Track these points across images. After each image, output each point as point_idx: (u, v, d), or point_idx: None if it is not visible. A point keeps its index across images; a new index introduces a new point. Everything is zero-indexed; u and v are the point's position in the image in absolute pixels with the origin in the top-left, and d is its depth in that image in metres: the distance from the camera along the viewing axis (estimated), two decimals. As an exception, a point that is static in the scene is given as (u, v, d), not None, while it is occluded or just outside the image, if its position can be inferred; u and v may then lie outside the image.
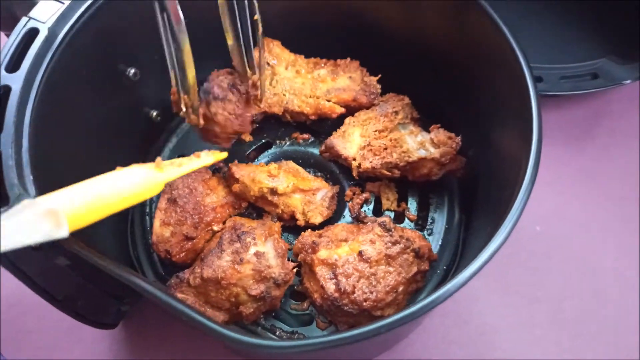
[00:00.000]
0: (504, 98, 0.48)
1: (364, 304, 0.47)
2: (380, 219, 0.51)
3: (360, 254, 0.49)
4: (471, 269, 0.37)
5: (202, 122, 0.50)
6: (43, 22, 0.45)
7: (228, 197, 0.55)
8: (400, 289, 0.48)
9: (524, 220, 0.60)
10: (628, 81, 0.62)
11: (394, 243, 0.49)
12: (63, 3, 0.46)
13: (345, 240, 0.51)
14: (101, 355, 0.55)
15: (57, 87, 0.45)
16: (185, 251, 0.52)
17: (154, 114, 0.62)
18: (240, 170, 0.54)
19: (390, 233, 0.50)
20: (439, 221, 0.57)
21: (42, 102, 0.43)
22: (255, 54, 0.49)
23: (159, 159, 0.41)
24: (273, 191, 0.53)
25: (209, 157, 0.46)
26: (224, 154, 0.46)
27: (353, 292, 0.47)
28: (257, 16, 0.48)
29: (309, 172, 0.60)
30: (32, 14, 0.45)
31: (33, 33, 0.45)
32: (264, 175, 0.53)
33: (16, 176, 0.38)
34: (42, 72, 0.43)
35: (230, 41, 0.48)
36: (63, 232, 0.32)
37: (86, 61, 0.48)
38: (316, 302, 0.50)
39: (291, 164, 0.58)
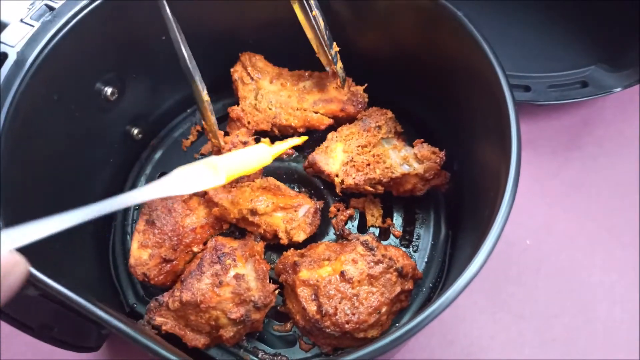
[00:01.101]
0: (483, 111, 0.47)
1: (346, 326, 0.46)
2: (362, 238, 0.50)
3: (342, 274, 0.48)
4: (454, 289, 0.36)
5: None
6: (12, 46, 0.44)
7: (209, 217, 0.54)
8: (384, 309, 0.47)
9: (515, 234, 0.61)
10: (618, 89, 0.61)
11: (377, 262, 0.48)
12: (32, 26, 0.45)
13: (328, 260, 0.50)
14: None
15: (27, 112, 0.44)
16: (164, 274, 0.51)
17: (135, 131, 0.61)
18: (218, 194, 0.53)
19: (373, 252, 0.49)
20: (424, 237, 0.56)
21: (12, 129, 0.42)
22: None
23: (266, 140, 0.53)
24: (253, 212, 0.52)
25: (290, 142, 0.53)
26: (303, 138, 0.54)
27: (335, 314, 0.46)
28: None
29: (293, 187, 0.59)
30: (0, 37, 0.45)
31: (2, 57, 0.44)
32: (244, 195, 0.52)
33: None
34: (10, 97, 0.43)
35: None
36: (220, 180, 0.45)
37: (58, 84, 0.47)
38: (298, 323, 0.49)
39: (271, 179, 0.56)
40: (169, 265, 0.51)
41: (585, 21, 0.68)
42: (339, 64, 0.56)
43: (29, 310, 0.42)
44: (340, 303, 0.47)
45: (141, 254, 0.51)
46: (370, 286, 0.48)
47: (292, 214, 0.53)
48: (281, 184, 0.56)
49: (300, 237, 0.53)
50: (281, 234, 0.53)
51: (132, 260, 0.51)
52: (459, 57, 0.49)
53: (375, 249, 0.49)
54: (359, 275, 0.48)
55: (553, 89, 0.63)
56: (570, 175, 0.64)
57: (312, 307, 0.47)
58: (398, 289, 0.48)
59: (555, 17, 0.70)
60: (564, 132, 0.67)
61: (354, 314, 0.46)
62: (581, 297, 0.56)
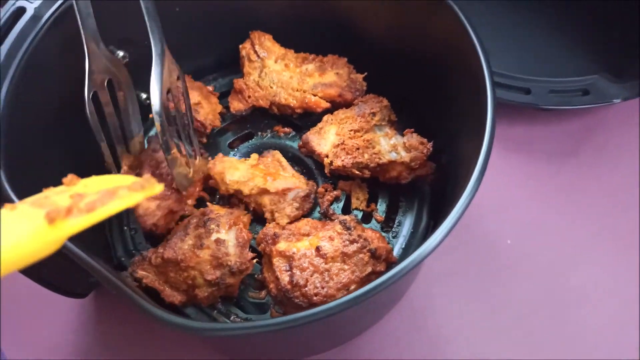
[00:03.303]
0: (468, 105, 0.48)
1: (314, 298, 0.48)
2: (342, 217, 0.52)
3: (317, 249, 0.50)
4: (405, 263, 0.37)
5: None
6: (31, 2, 0.47)
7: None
8: (352, 287, 0.49)
9: (498, 232, 0.62)
10: (618, 100, 0.61)
11: (352, 242, 0.50)
12: (51, -15, 0.48)
13: (308, 235, 0.52)
14: (68, 324, 0.58)
15: (39, 66, 0.47)
16: (171, 223, 0.54)
17: (144, 96, 0.63)
18: (216, 167, 0.56)
19: (349, 232, 0.51)
20: (405, 225, 0.57)
21: (22, 79, 0.45)
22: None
23: (60, 206, 0.29)
24: (238, 192, 0.54)
25: (137, 194, 0.34)
26: (159, 187, 0.35)
27: (305, 286, 0.48)
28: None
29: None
30: (20, -7, 0.48)
31: (20, 12, 0.47)
32: (236, 174, 0.55)
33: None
34: (24, 49, 0.46)
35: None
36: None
37: (72, 42, 0.50)
38: (272, 292, 0.51)
39: (277, 154, 0.58)
40: (176, 216, 0.54)
41: (592, 29, 0.68)
42: (177, 169, 0.51)
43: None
44: (312, 276, 0.49)
45: (150, 204, 0.53)
46: (342, 263, 0.50)
47: (280, 198, 0.55)
48: (284, 161, 0.58)
49: (283, 220, 0.55)
50: (267, 214, 0.55)
51: (140, 211, 0.53)
52: (451, 49, 0.50)
53: (352, 228, 0.51)
54: (333, 252, 0.50)
55: (554, 94, 0.63)
56: (564, 180, 0.64)
57: (285, 277, 0.49)
58: (369, 269, 0.50)
59: (562, 23, 0.70)
60: (562, 138, 0.67)
61: (323, 288, 0.48)
62: (556, 300, 0.57)
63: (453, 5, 0.47)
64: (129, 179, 0.35)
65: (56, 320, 0.58)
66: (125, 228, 0.58)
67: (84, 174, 0.36)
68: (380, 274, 0.52)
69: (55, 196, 0.32)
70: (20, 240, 0.27)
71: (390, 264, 0.53)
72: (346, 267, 0.50)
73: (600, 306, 0.56)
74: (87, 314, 0.59)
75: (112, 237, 0.58)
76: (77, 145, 0.55)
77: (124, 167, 0.55)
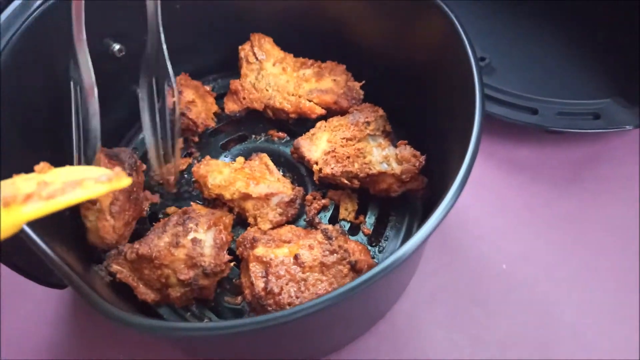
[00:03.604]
0: (460, 119, 0.46)
1: (287, 307, 0.46)
2: (324, 226, 0.50)
3: (296, 257, 0.48)
4: (376, 270, 0.35)
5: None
6: (24, -13, 0.48)
7: None
8: None
9: (491, 257, 0.59)
10: (630, 127, 0.58)
11: (332, 252, 0.48)
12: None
13: (289, 242, 0.50)
14: (45, 315, 0.57)
15: (27, 55, 0.47)
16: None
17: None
18: (200, 170, 0.55)
19: (330, 241, 0.49)
20: (393, 240, 0.55)
21: (9, 70, 0.45)
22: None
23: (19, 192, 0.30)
24: (220, 196, 0.53)
25: (102, 185, 0.33)
26: (127, 180, 0.34)
27: (279, 294, 0.46)
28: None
29: (280, 170, 0.59)
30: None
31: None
32: (218, 178, 0.53)
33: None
34: (9, 35, 0.46)
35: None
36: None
37: (64, 33, 0.50)
38: (246, 297, 0.49)
39: (265, 157, 0.57)
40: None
41: (606, 51, 0.65)
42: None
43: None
44: (287, 284, 0.47)
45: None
46: (320, 274, 0.48)
47: (263, 202, 0.54)
48: (271, 165, 0.56)
49: (265, 225, 0.53)
50: (250, 219, 0.54)
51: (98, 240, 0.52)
52: (446, 58, 0.48)
53: (334, 238, 0.49)
54: (311, 261, 0.48)
55: (562, 117, 0.61)
56: (565, 208, 0.61)
57: (259, 284, 0.48)
58: (347, 282, 0.48)
59: (575, 43, 0.67)
60: (568, 164, 0.64)
61: (297, 297, 0.46)
62: (546, 335, 0.54)
63: (449, 13, 0.46)
64: (100, 171, 0.34)
65: (32, 310, 0.58)
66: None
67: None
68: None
69: (22, 182, 0.32)
70: None
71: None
72: (324, 277, 0.48)
73: (593, 347, 0.53)
74: (64, 306, 0.58)
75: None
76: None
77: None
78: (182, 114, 0.58)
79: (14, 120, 0.47)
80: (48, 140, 0.52)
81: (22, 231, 0.37)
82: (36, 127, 0.51)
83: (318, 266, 0.48)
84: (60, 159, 0.50)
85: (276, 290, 0.47)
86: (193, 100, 0.59)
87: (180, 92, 0.59)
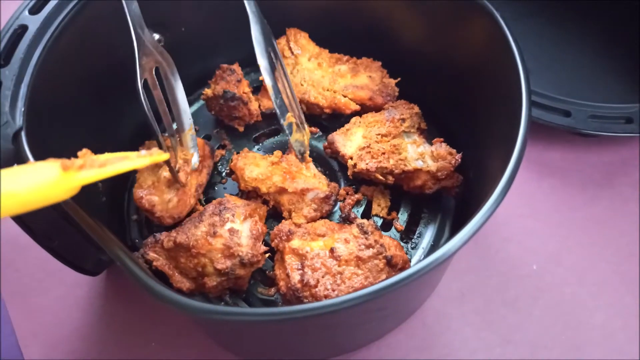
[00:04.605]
0: (502, 120, 0.46)
1: (323, 299, 0.46)
2: (359, 220, 0.51)
3: (331, 250, 0.48)
4: (412, 271, 0.35)
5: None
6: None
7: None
8: None
9: (522, 257, 0.59)
10: (663, 132, 0.58)
11: (368, 246, 0.49)
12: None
13: (323, 236, 0.51)
14: (77, 300, 0.58)
15: (72, 37, 0.48)
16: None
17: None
18: (238, 162, 0.55)
19: (366, 236, 0.49)
20: (426, 237, 0.55)
21: (53, 47, 0.46)
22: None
23: (76, 160, 0.35)
24: (256, 189, 0.54)
25: (144, 158, 0.40)
26: (165, 155, 0.43)
27: (315, 286, 0.47)
28: None
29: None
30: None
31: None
32: (255, 171, 0.54)
33: (9, 105, 0.41)
34: (60, 19, 0.46)
35: None
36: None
37: (108, 18, 0.51)
38: (281, 289, 0.50)
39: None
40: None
41: (639, 57, 0.65)
42: (294, 136, 0.53)
43: (33, 213, 0.45)
44: (323, 277, 0.47)
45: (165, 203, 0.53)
46: (356, 267, 0.48)
47: (299, 198, 0.54)
48: (308, 159, 0.57)
49: (300, 220, 0.54)
50: (284, 213, 0.54)
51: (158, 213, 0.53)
52: (489, 60, 0.48)
53: (370, 233, 0.49)
54: (347, 255, 0.48)
55: (594, 119, 0.61)
56: (595, 212, 0.61)
57: (295, 276, 0.48)
58: (383, 277, 0.48)
59: (609, 46, 0.67)
60: (600, 168, 0.64)
61: (333, 290, 0.47)
62: (577, 336, 0.54)
63: (495, 14, 0.46)
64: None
65: (65, 296, 0.58)
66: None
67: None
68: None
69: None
70: (38, 182, 0.32)
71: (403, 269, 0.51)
72: (359, 271, 0.48)
73: (622, 349, 0.53)
74: (96, 293, 0.58)
75: (128, 218, 0.58)
76: (98, 125, 0.55)
77: (180, 161, 0.53)
78: (243, 103, 0.59)
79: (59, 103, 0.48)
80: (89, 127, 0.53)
81: (78, 213, 0.38)
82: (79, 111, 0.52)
83: (354, 260, 0.48)
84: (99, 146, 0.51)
85: (312, 282, 0.47)
86: (249, 92, 0.60)
87: (239, 81, 0.60)
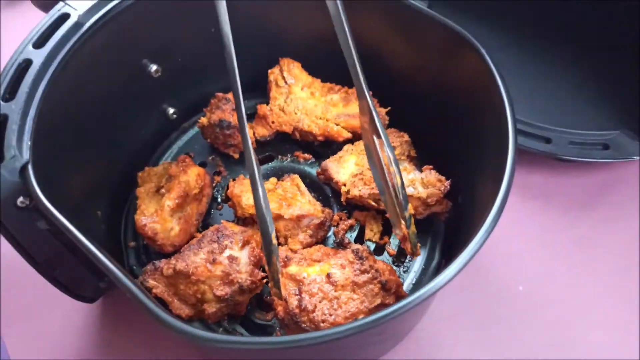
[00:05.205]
0: (490, 148, 0.49)
1: (321, 324, 0.48)
2: (355, 246, 0.52)
3: (328, 275, 0.50)
4: (408, 300, 0.37)
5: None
6: (75, 9, 0.49)
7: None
8: (360, 317, 0.49)
9: (511, 278, 0.61)
10: (638, 157, 0.61)
11: (363, 272, 0.50)
12: (97, -5, 0.50)
13: (319, 261, 0.52)
14: (73, 326, 0.58)
15: (75, 69, 0.49)
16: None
17: (171, 111, 0.65)
18: (234, 189, 0.57)
19: (362, 261, 0.51)
20: (417, 261, 0.57)
21: (57, 80, 0.47)
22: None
23: None
24: (253, 215, 0.55)
25: None
26: None
27: (313, 311, 0.48)
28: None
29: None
30: (68, 0, 0.50)
31: (64, 17, 0.49)
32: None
33: (16, 139, 0.42)
34: (63, 53, 0.48)
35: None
36: None
37: (109, 51, 0.52)
38: (279, 314, 0.51)
39: (296, 178, 0.59)
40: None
41: (617, 85, 0.69)
42: (412, 228, 0.49)
43: (37, 244, 0.46)
44: (320, 302, 0.49)
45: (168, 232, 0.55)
46: (352, 292, 0.50)
47: (294, 224, 0.56)
48: (302, 186, 0.58)
49: (295, 246, 0.55)
50: (280, 239, 0.56)
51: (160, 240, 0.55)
52: (476, 92, 0.51)
53: (365, 258, 0.51)
54: (343, 280, 0.49)
55: (574, 146, 0.64)
56: (579, 233, 0.64)
57: (293, 301, 0.49)
58: (378, 301, 0.50)
59: (587, 76, 0.71)
60: (580, 191, 0.67)
61: (331, 315, 0.48)
62: (563, 353, 0.56)
63: (481, 50, 0.48)
64: None
65: (61, 322, 0.59)
66: (140, 237, 0.58)
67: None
68: (389, 307, 0.52)
69: None
70: None
71: (399, 297, 0.53)
72: (355, 296, 0.49)
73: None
74: (92, 319, 0.59)
75: (125, 245, 0.59)
76: (107, 147, 0.57)
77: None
78: (238, 131, 0.61)
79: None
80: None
81: (84, 246, 0.39)
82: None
83: (350, 285, 0.50)
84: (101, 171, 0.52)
85: (310, 307, 0.48)
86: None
87: (234, 109, 0.61)
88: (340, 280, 0.49)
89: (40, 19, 0.49)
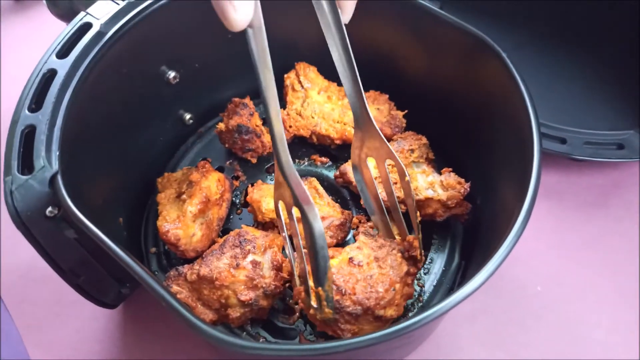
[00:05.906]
0: (510, 154, 0.49)
1: (367, 301, 0.47)
2: (362, 228, 0.53)
3: (350, 260, 0.49)
4: (441, 305, 0.37)
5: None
6: (97, 19, 0.50)
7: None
8: (397, 286, 0.48)
9: (526, 278, 0.62)
10: (652, 157, 0.62)
11: (379, 247, 0.50)
12: (118, 4, 0.50)
13: (332, 257, 0.52)
14: (94, 332, 0.58)
15: (98, 78, 0.49)
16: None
17: (187, 117, 0.66)
18: (253, 194, 0.57)
19: (374, 238, 0.51)
20: (437, 262, 0.58)
21: (82, 90, 0.47)
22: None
23: None
24: (274, 220, 0.55)
25: None
26: None
27: (354, 293, 0.47)
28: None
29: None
30: (89, 9, 0.50)
31: (86, 27, 0.49)
32: (271, 203, 0.56)
33: (44, 149, 0.42)
34: (87, 62, 0.48)
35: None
36: None
37: (130, 59, 0.53)
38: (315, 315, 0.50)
39: (314, 181, 0.59)
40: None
41: (631, 85, 0.69)
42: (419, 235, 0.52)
43: (64, 252, 0.46)
44: (356, 284, 0.48)
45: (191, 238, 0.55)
46: (379, 268, 0.49)
47: None
48: (320, 189, 0.59)
49: None
50: (301, 242, 0.56)
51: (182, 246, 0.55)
52: (496, 97, 0.51)
53: (376, 235, 0.52)
54: (366, 259, 0.49)
55: (589, 146, 0.64)
56: (591, 232, 0.64)
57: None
58: (405, 268, 0.49)
59: (602, 76, 0.71)
60: (594, 190, 0.68)
61: (371, 291, 0.47)
62: (580, 352, 0.56)
63: (502, 54, 0.49)
64: None
65: (82, 327, 0.59)
66: (161, 242, 0.59)
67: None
68: (414, 275, 0.51)
69: None
70: None
71: (416, 262, 0.52)
72: (384, 270, 0.49)
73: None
74: (113, 325, 0.59)
75: (146, 250, 0.59)
76: (127, 154, 0.57)
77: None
78: (256, 135, 0.61)
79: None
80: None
81: (115, 253, 0.39)
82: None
83: (374, 261, 0.49)
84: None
85: (349, 290, 0.48)
86: (261, 125, 0.62)
87: (252, 114, 0.62)
88: (364, 260, 0.49)
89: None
